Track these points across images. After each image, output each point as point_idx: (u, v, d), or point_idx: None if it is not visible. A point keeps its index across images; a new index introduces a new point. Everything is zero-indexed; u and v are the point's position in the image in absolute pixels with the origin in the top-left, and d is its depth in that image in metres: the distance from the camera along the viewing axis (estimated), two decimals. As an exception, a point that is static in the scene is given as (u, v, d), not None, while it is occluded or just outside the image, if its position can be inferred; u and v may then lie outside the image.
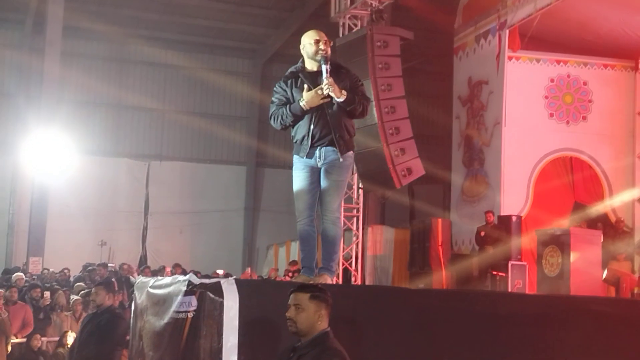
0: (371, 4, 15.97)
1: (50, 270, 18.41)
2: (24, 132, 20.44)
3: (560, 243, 12.71)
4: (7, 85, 23.53)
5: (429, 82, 25.00)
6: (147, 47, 24.94)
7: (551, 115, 16.83)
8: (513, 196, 16.35)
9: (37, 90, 20.59)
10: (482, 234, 15.41)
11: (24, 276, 16.06)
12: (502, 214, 15.84)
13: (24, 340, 12.00)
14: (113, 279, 14.23)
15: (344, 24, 16.67)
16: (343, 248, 16.60)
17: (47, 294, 13.91)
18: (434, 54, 20.79)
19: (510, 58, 16.56)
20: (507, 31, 16.37)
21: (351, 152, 5.79)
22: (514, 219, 15.37)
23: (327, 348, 4.22)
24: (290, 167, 6.03)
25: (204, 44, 25.19)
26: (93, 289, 8.45)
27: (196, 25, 23.94)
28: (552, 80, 16.88)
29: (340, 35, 16.30)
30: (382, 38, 13.99)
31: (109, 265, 19.60)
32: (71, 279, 17.98)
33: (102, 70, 24.54)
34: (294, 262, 17.99)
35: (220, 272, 18.54)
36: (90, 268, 18.91)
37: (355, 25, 16.51)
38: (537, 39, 16.42)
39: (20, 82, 23.32)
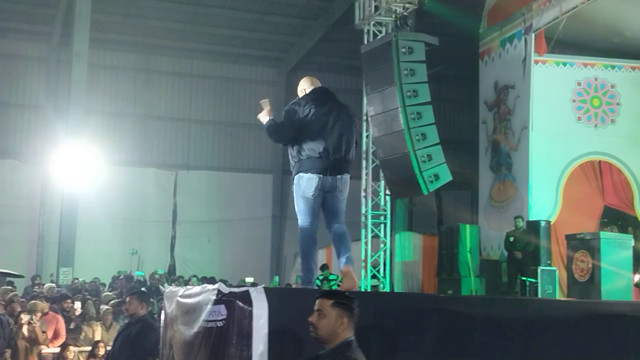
0: (395, 10, 15.96)
1: (80, 279, 18.57)
2: (53, 143, 20.63)
3: (590, 247, 12.59)
4: (35, 97, 23.79)
5: (455, 88, 24.93)
6: (172, 58, 25.17)
7: (579, 118, 16.71)
8: (542, 201, 16.23)
9: (65, 102, 20.79)
10: (511, 239, 15.31)
11: (55, 286, 16.22)
12: (530, 218, 15.73)
13: (57, 350, 12.08)
14: (143, 288, 14.35)
15: (368, 30, 16.66)
16: (371, 255, 16.59)
17: (77, 305, 14.01)
18: (459, 59, 20.71)
19: (536, 62, 16.46)
20: (533, 35, 16.29)
21: (295, 176, 6.35)
22: (543, 223, 15.26)
23: (345, 358, 4.18)
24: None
25: (229, 53, 25.31)
26: (127, 298, 8.49)
27: (221, 35, 24.07)
28: (579, 84, 16.75)
29: (365, 42, 16.30)
30: (406, 44, 13.97)
31: (136, 274, 19.73)
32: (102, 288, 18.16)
33: (129, 81, 24.76)
34: (324, 265, 17.98)
35: (250, 280, 18.61)
36: (117, 276, 19.11)
37: (380, 32, 16.50)
38: (563, 42, 16.32)
39: (48, 94, 23.57)
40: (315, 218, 6.35)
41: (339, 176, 6.32)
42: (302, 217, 6.34)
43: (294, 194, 6.37)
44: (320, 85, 6.72)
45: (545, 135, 16.45)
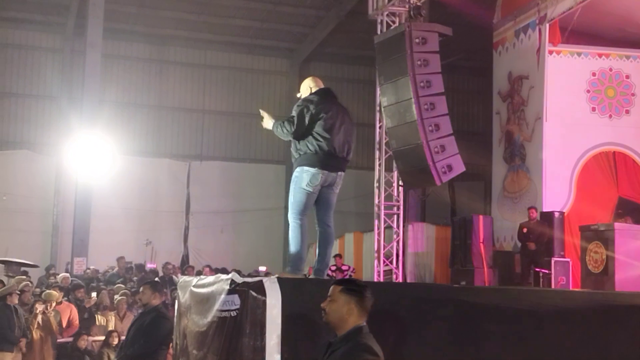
0: (409, 0, 15.91)
1: (92, 268, 18.64)
2: (67, 134, 20.71)
3: (604, 239, 12.50)
4: (49, 88, 23.87)
5: (468, 78, 24.86)
6: (186, 48, 25.19)
7: (593, 109, 16.62)
8: (555, 192, 16.18)
9: (79, 92, 20.84)
10: (525, 230, 15.27)
11: (69, 276, 16.30)
12: (544, 209, 15.69)
13: (70, 339, 12.17)
14: (156, 279, 14.40)
15: (382, 21, 16.62)
16: (384, 245, 16.60)
17: (93, 295, 14.09)
18: (473, 49, 20.63)
19: (550, 52, 16.38)
20: (547, 25, 16.20)
21: (297, 169, 6.59)
22: (556, 214, 15.21)
23: (357, 343, 4.24)
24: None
25: (242, 44, 25.31)
26: (141, 288, 8.56)
27: (234, 26, 24.07)
28: (593, 74, 16.65)
29: (379, 32, 16.27)
30: (420, 34, 13.92)
31: (148, 265, 19.78)
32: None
33: (143, 72, 24.81)
34: (338, 256, 18.02)
35: (263, 269, 18.68)
36: (128, 266, 19.19)
37: (393, 22, 16.44)
38: (577, 32, 16.23)
39: (62, 84, 23.65)
40: (309, 212, 6.67)
41: (339, 173, 6.68)
42: (298, 208, 6.60)
43: (293, 186, 6.60)
44: (324, 86, 6.93)
45: (559, 126, 16.38)
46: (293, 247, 6.59)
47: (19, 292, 12.07)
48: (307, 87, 6.85)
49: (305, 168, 6.53)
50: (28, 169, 23.20)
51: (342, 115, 6.70)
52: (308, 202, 6.61)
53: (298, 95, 6.92)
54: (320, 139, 6.50)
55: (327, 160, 6.54)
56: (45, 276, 17.95)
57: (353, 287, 4.40)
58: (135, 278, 17.71)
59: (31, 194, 22.75)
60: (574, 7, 15.25)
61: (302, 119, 6.50)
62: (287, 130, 6.55)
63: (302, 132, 6.52)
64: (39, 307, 11.92)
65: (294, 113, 6.57)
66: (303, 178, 6.54)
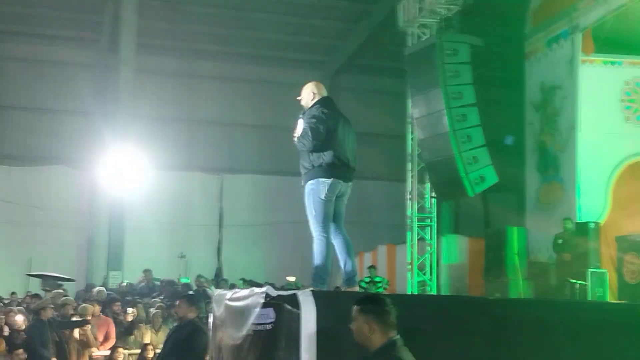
0: (440, 12, 15.90)
1: (127, 282, 18.79)
2: (101, 149, 20.93)
3: (641, 249, 12.39)
4: (84, 103, 24.11)
5: (500, 89, 24.70)
6: (216, 62, 25.34)
7: (627, 118, 16.42)
8: (590, 202, 15.99)
9: (113, 107, 21.08)
10: (560, 241, 15.12)
11: (105, 290, 16.43)
12: (579, 220, 15.52)
13: (107, 353, 12.24)
14: (190, 292, 14.47)
15: (412, 33, 16.63)
16: (417, 257, 16.54)
17: (131, 310, 14.18)
18: (504, 59, 20.52)
19: (583, 61, 16.24)
20: (580, 34, 16.09)
21: (311, 181, 6.59)
22: (592, 225, 15.04)
23: (391, 358, 4.22)
24: (359, 178, 6.52)
25: (272, 57, 25.42)
26: (177, 301, 8.60)
27: (264, 39, 24.19)
28: (627, 83, 16.47)
29: (409, 44, 16.28)
30: (451, 46, 13.93)
31: (180, 281, 19.82)
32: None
33: (174, 86, 24.99)
34: (372, 267, 17.97)
35: (292, 279, 18.69)
36: (155, 283, 19.30)
37: (424, 34, 16.45)
38: (610, 41, 16.08)
39: (96, 100, 23.89)
40: (331, 222, 6.70)
41: (349, 183, 6.76)
42: (321, 221, 6.63)
43: (311, 199, 6.63)
44: (326, 93, 6.99)
45: (593, 135, 16.21)
46: (319, 260, 6.60)
47: (52, 306, 12.17)
48: (310, 92, 6.89)
49: (322, 180, 6.57)
50: (63, 184, 23.46)
51: (348, 125, 6.78)
52: (329, 212, 6.65)
53: (298, 98, 6.93)
54: (336, 151, 6.57)
55: (342, 171, 6.62)
56: (83, 290, 18.12)
57: (368, 306, 4.39)
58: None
59: (66, 208, 22.99)
60: (606, 15, 15.13)
61: (319, 132, 6.51)
62: (303, 144, 6.56)
63: (319, 145, 6.55)
64: (76, 321, 12.01)
65: (305, 125, 6.57)
66: (320, 189, 6.58)
